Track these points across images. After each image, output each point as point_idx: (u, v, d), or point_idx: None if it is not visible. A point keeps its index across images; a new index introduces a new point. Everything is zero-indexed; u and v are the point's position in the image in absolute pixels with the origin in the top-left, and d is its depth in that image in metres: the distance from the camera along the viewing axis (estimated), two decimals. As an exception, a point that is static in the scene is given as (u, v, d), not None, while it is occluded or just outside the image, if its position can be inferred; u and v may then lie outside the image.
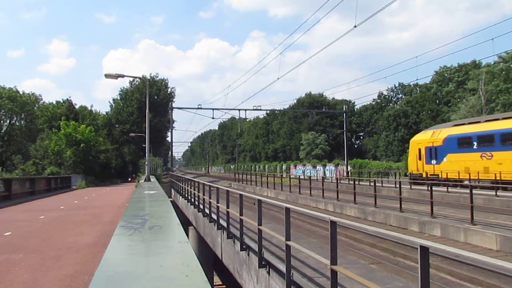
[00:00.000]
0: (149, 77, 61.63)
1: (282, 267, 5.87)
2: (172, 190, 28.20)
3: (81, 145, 45.46)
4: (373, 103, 73.79)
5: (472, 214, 10.21)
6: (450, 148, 23.42)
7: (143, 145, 43.85)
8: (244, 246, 7.97)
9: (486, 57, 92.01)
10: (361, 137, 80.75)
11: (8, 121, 63.40)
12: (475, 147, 21.68)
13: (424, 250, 3.09)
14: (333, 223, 4.46)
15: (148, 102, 27.94)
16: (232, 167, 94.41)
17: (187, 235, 13.24)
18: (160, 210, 10.47)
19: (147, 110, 27.24)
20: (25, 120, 64.63)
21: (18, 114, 63.16)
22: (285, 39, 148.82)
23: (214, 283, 16.35)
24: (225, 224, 9.52)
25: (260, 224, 6.81)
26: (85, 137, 46.06)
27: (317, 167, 49.05)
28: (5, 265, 7.91)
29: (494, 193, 16.49)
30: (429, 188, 12.43)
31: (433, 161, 24.66)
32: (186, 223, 16.06)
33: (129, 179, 61.24)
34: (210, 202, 11.89)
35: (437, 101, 57.23)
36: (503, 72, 40.76)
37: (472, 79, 45.63)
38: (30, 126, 63.78)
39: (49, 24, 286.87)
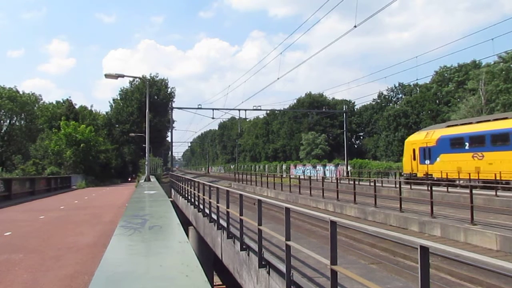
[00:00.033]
0: (149, 77, 61.67)
1: (282, 267, 5.87)
2: (172, 190, 28.19)
3: (81, 145, 45.49)
4: (373, 103, 73.77)
5: (472, 214, 10.22)
6: (443, 149, 23.58)
7: (143, 145, 43.85)
8: (244, 246, 7.97)
9: (486, 57, 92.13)
10: (361, 137, 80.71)
11: (8, 121, 63.43)
12: (467, 147, 21.88)
13: (424, 250, 3.09)
14: (333, 223, 4.47)
15: (148, 102, 27.95)
16: (232, 167, 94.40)
17: (187, 235, 13.24)
18: (160, 210, 10.47)
19: (147, 110, 27.25)
20: (25, 120, 64.65)
21: (18, 114, 63.19)
22: (285, 39, 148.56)
23: (214, 283, 16.34)
24: (225, 224, 9.51)
25: (260, 224, 6.81)
26: (85, 137, 46.08)
27: (317, 167, 49.04)
28: (5, 265, 7.91)
29: (494, 193, 16.50)
30: (429, 188, 12.44)
31: (427, 161, 24.79)
32: (186, 223, 16.06)
33: (129, 179, 61.25)
34: (210, 202, 11.88)
35: (437, 101, 57.21)
36: (503, 72, 40.76)
37: (472, 79, 45.62)
38: (30, 126, 63.80)
39: (49, 24, 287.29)
